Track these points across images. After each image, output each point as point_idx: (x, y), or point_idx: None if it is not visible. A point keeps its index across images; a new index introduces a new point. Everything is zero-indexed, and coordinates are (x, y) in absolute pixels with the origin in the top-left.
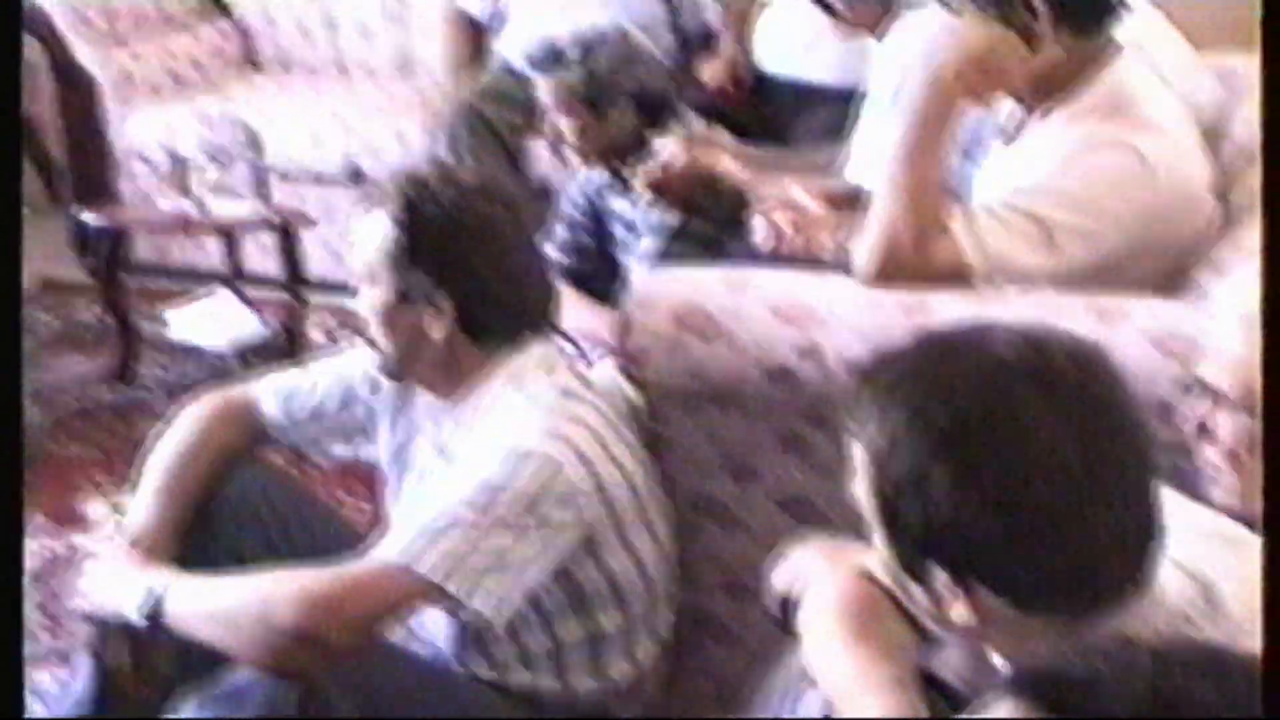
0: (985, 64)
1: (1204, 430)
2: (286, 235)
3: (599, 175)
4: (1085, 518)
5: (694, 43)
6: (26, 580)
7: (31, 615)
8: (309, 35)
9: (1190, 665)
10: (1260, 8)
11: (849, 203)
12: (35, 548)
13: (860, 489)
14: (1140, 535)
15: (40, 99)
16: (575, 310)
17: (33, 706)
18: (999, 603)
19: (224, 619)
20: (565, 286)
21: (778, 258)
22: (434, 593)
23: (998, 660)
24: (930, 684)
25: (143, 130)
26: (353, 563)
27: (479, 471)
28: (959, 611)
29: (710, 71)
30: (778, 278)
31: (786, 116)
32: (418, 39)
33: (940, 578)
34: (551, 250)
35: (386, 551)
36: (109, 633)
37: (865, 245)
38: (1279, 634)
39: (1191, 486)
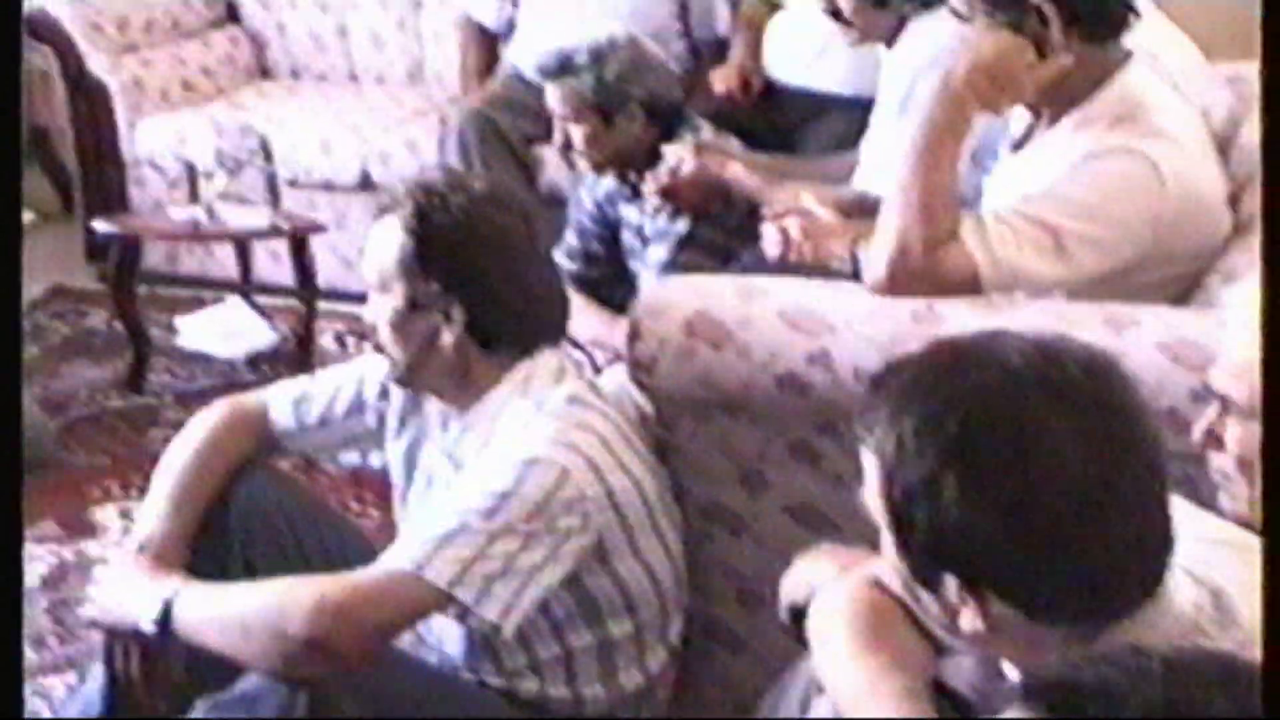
0: (996, 72)
1: (1214, 438)
2: (297, 243)
3: (609, 183)
4: (1096, 526)
5: (704, 50)
6: (37, 587)
7: (42, 623)
8: (320, 43)
9: (1201, 673)
10: (1260, 9)
11: (859, 210)
12: (45, 554)
13: (871, 496)
14: (1151, 543)
15: (52, 107)
16: (585, 317)
17: (43, 714)
18: (1010, 611)
19: (235, 627)
20: (575, 294)
21: (788, 265)
22: (443, 600)
23: (1009, 668)
24: (941, 692)
25: (154, 138)
26: (363, 570)
27: (488, 479)
28: (969, 619)
29: (721, 79)
30: (788, 285)
31: (797, 124)
32: (429, 47)
33: (951, 586)
34: (562, 258)
35: (396, 559)
36: (120, 640)
37: (876, 253)
38: (1279, 634)
39: (1202, 494)
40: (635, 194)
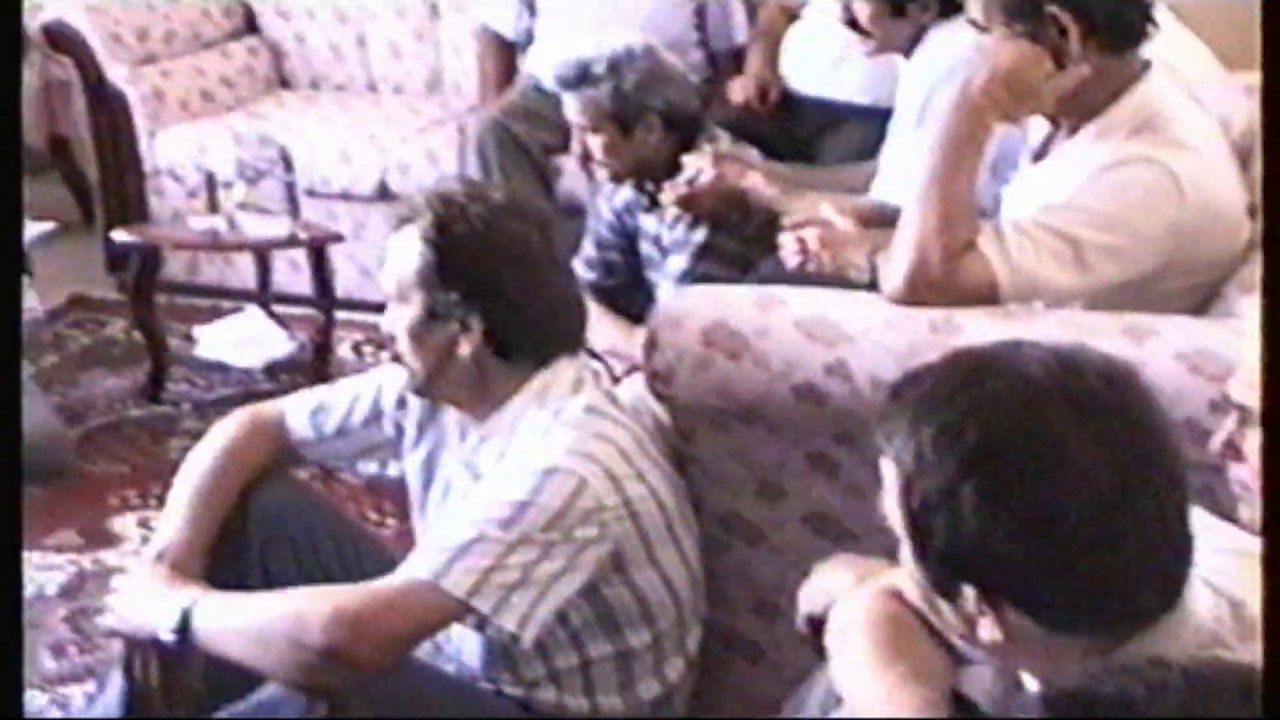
0: (1014, 82)
1: (1233, 449)
2: (316, 253)
3: (627, 192)
4: (1115, 537)
5: (722, 60)
6: (55, 596)
7: (61, 631)
8: (339, 53)
9: (1220, 685)
10: (1260, 8)
11: (877, 220)
12: (63, 563)
13: (890, 506)
14: (1170, 555)
15: (72, 117)
16: (603, 327)
17: None
18: (1028, 622)
19: (253, 636)
20: (593, 304)
21: (806, 275)
22: (461, 609)
23: (1027, 679)
24: (959, 703)
25: (174, 148)
26: (381, 580)
27: (506, 488)
28: (988, 630)
29: (738, 89)
30: (806, 295)
31: (814, 134)
32: (447, 57)
33: (969, 596)
34: (580, 268)
35: (414, 569)
36: (138, 649)
37: (894, 263)
38: (1279, 634)
39: (1221, 505)
40: (653, 204)
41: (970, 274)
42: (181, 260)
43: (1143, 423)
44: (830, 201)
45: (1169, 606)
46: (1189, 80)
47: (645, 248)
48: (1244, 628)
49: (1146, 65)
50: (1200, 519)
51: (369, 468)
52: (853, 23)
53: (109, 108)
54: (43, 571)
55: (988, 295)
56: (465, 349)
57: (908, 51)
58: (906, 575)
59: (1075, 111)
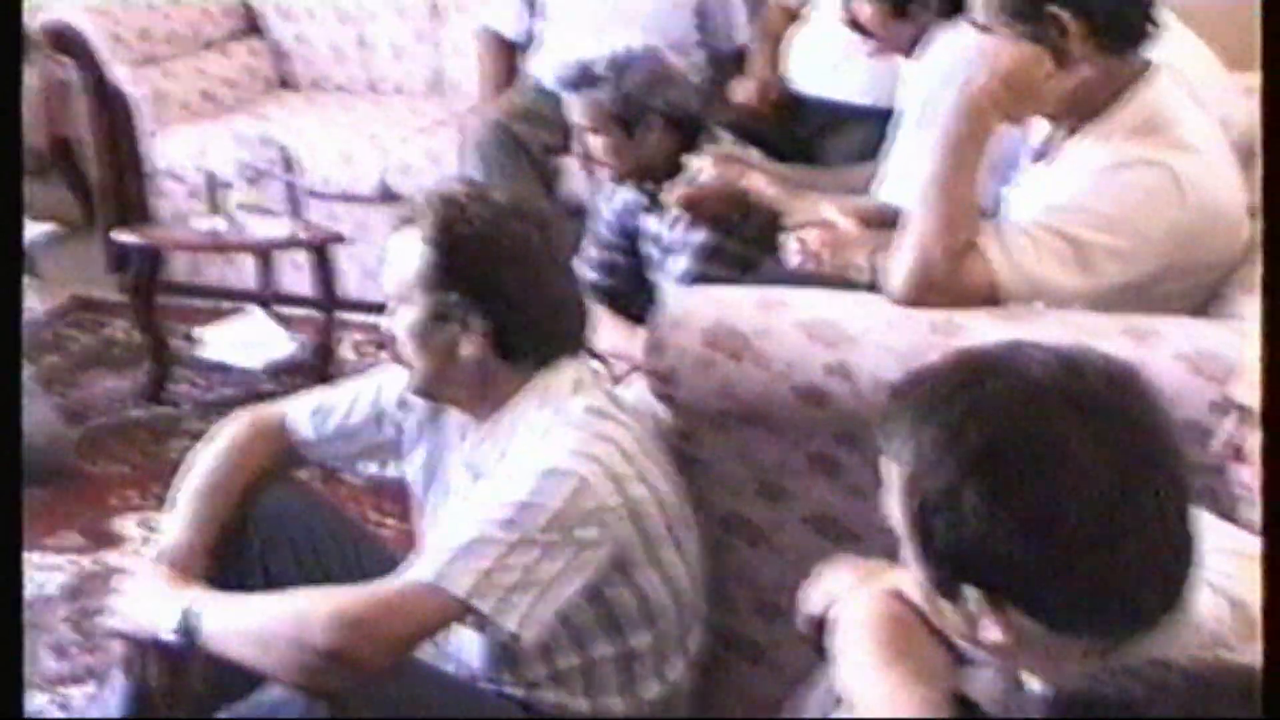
0: (1016, 82)
1: (1234, 449)
2: (319, 254)
3: (629, 193)
4: (1118, 539)
5: (726, 62)
6: (58, 597)
7: (63, 632)
8: (341, 54)
9: (1222, 687)
10: (1260, 9)
11: (880, 221)
12: (65, 564)
13: (892, 506)
14: (1173, 557)
15: (74, 118)
16: (607, 329)
17: None
18: (1031, 623)
19: (257, 638)
20: (597, 305)
21: (808, 276)
22: (463, 610)
23: (1030, 680)
24: (961, 704)
25: (177, 149)
26: (382, 581)
27: (507, 489)
28: (989, 631)
29: (742, 91)
30: (809, 297)
31: (818, 135)
32: (449, 58)
33: (971, 597)
34: (583, 269)
35: (417, 571)
36: (142, 651)
37: (898, 264)
38: (1279, 634)
39: (1222, 506)
40: (655, 204)
41: (972, 275)
42: (183, 261)
43: (1144, 423)
44: (832, 202)
45: (1170, 607)
46: (1191, 80)
47: (647, 248)
48: (1245, 628)
49: (1148, 66)
50: (1202, 520)
51: (370, 468)
52: (855, 23)
53: (110, 108)
54: (44, 572)
55: (989, 296)
56: (467, 350)
57: (909, 52)
58: (908, 576)
59: (1077, 112)
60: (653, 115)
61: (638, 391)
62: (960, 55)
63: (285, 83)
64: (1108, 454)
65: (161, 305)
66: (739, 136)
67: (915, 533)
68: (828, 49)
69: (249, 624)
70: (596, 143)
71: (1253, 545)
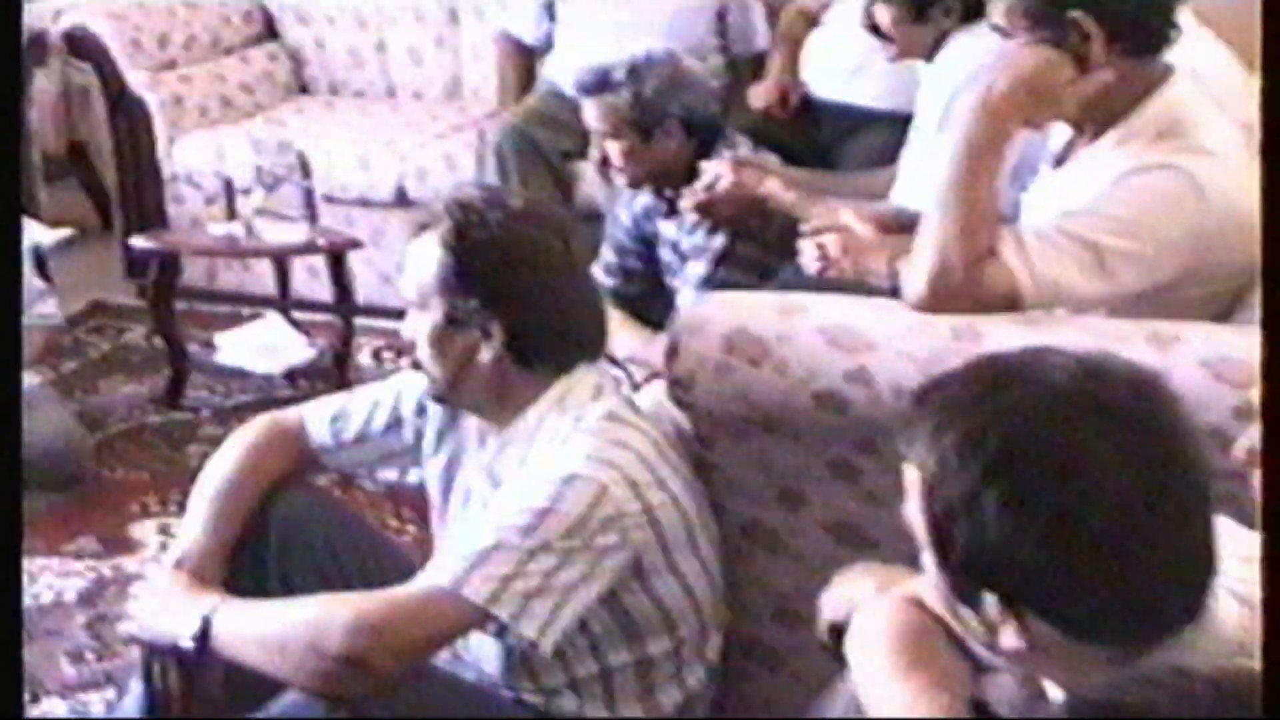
0: (1036, 87)
1: (1257, 456)
2: (335, 259)
3: (646, 198)
4: (1137, 546)
5: (743, 66)
6: (74, 603)
7: (80, 638)
8: (358, 59)
9: (1246, 695)
10: (1260, 9)
11: (898, 226)
12: (82, 570)
13: (912, 512)
14: (1195, 564)
15: (92, 123)
16: (623, 334)
17: None
18: (1050, 630)
19: (273, 644)
20: (613, 310)
21: (826, 281)
22: (481, 617)
23: (1051, 688)
24: (981, 711)
25: (193, 154)
26: (400, 587)
27: (526, 496)
28: (1009, 638)
29: (759, 95)
30: (827, 302)
31: (835, 139)
32: (466, 63)
33: (991, 604)
34: (599, 274)
35: (435, 576)
36: (158, 656)
37: (916, 270)
38: (1278, 634)
39: (1245, 512)
40: (673, 210)
41: (992, 281)
42: (200, 266)
43: (1167, 430)
44: (850, 207)
45: (1193, 615)
46: (1211, 84)
47: (664, 254)
48: None
49: (1169, 70)
50: (1224, 527)
51: (388, 474)
52: (874, 28)
53: (128, 114)
54: (62, 578)
55: (1009, 302)
56: (485, 355)
57: (929, 57)
58: (928, 583)
59: (1097, 117)
60: (670, 120)
61: (656, 398)
62: (980, 60)
63: (303, 88)
64: (1129, 461)
65: (179, 311)
66: (757, 141)
67: (935, 539)
68: (846, 54)
69: (266, 630)
70: (614, 148)
71: None
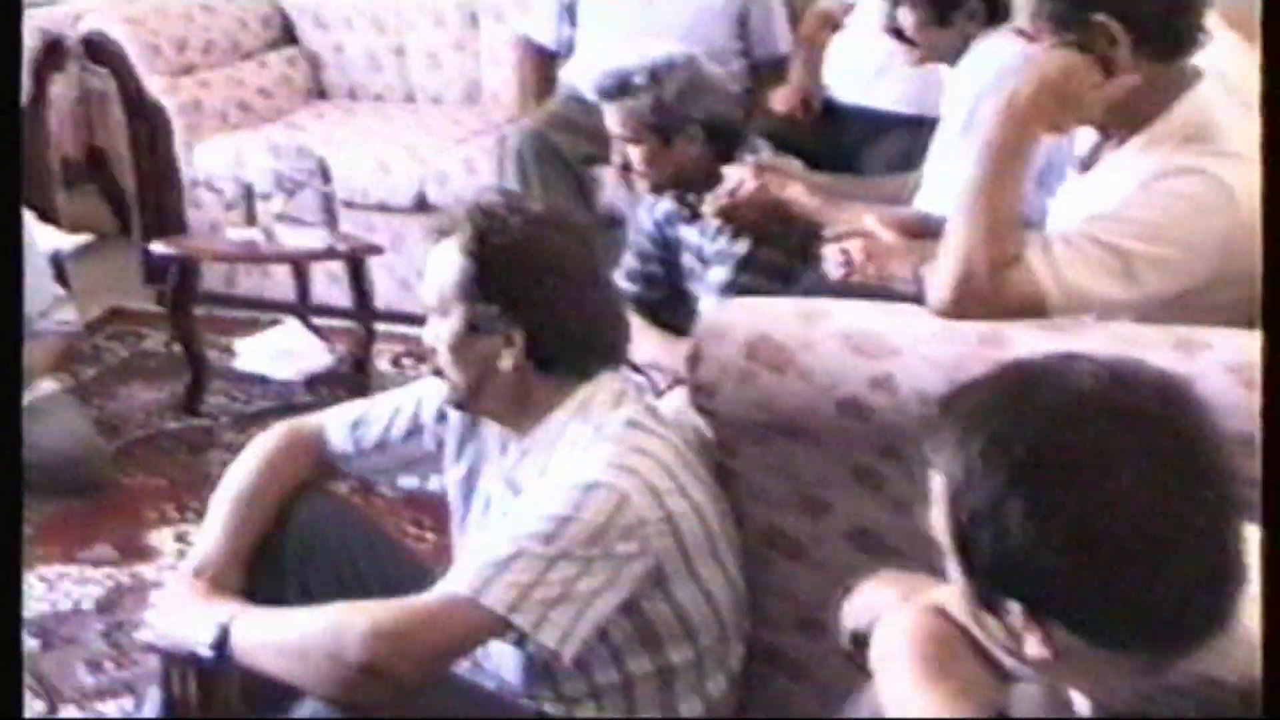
0: (1062, 91)
1: None
2: (354, 264)
3: (668, 204)
4: (1164, 555)
5: (764, 70)
6: (92, 611)
7: (97, 646)
8: (377, 63)
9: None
10: (1260, 8)
11: (921, 232)
12: (100, 577)
13: (937, 519)
14: (1222, 573)
15: (110, 129)
16: (645, 340)
17: None
18: (1074, 638)
19: (292, 652)
20: (634, 316)
21: (850, 287)
22: (501, 625)
23: (1077, 698)
24: None
25: (211, 159)
26: (420, 595)
27: (546, 504)
28: (1034, 646)
29: (780, 99)
30: (851, 309)
31: (858, 144)
32: (486, 67)
33: (1015, 612)
34: (620, 279)
35: (453, 584)
36: (176, 664)
37: (939, 275)
38: (1279, 634)
39: None
40: (694, 215)
41: (1017, 286)
42: (219, 272)
43: (1196, 439)
44: (873, 213)
45: (1222, 624)
46: (1239, 87)
47: (686, 259)
48: None
49: (1197, 74)
50: (1256, 536)
51: (408, 482)
52: (897, 32)
53: (147, 119)
54: (79, 585)
55: (1034, 308)
56: (506, 362)
57: (952, 61)
58: (952, 591)
59: (1124, 121)
60: (691, 125)
61: (677, 404)
62: (1004, 64)
63: (322, 93)
64: (1155, 468)
65: (198, 316)
66: (778, 146)
67: (959, 545)
68: (869, 57)
69: (284, 638)
70: (634, 152)
71: None
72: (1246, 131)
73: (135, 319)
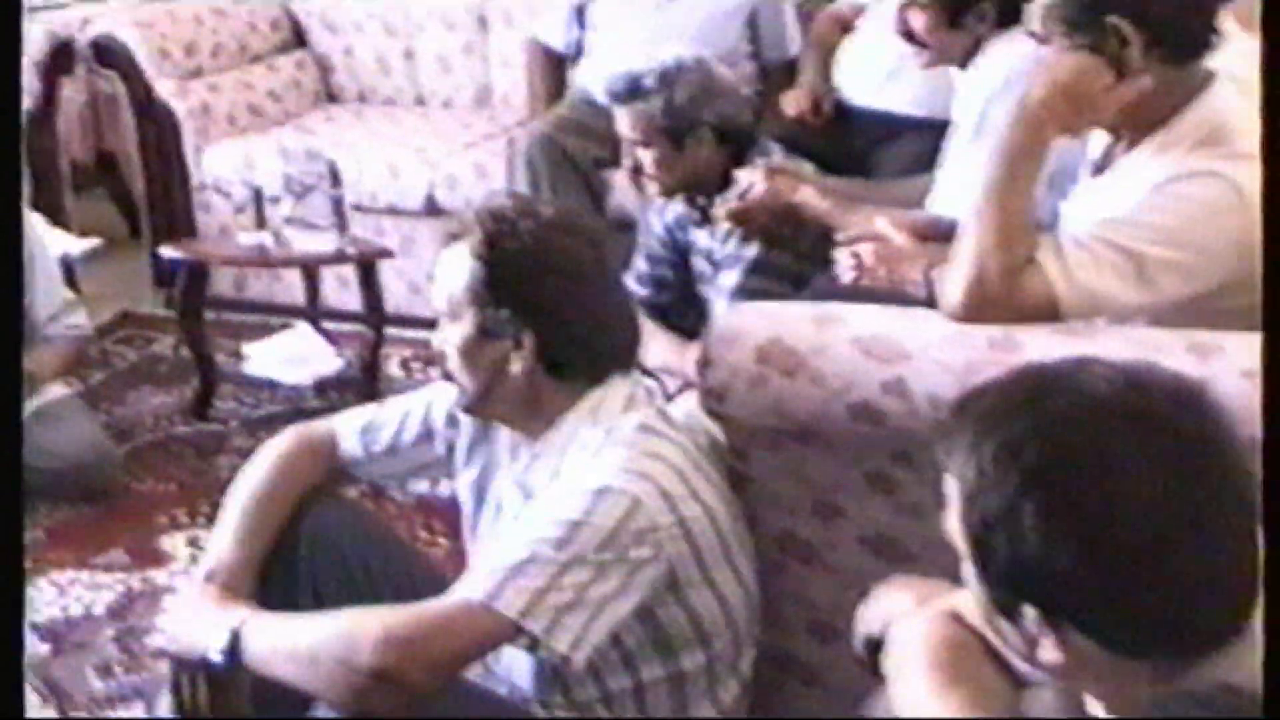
0: (1074, 93)
1: None
2: (364, 268)
3: (679, 207)
4: (1178, 560)
5: (775, 73)
6: (104, 616)
7: (109, 651)
8: (387, 67)
9: None
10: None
11: (933, 235)
12: (112, 583)
13: (952, 523)
14: (1238, 578)
15: (119, 133)
16: (656, 344)
17: None
18: (1090, 644)
19: (303, 658)
20: (646, 320)
21: (862, 291)
22: (513, 631)
23: (1093, 704)
24: None
25: (221, 163)
26: (432, 601)
27: (558, 508)
28: (1048, 651)
29: (791, 102)
30: (864, 313)
31: (869, 147)
32: (496, 70)
33: (1030, 616)
34: (631, 283)
35: (467, 590)
36: (187, 670)
37: (953, 279)
38: (1279, 635)
39: None
40: (705, 219)
41: (1030, 290)
42: (229, 276)
43: (1210, 444)
44: (885, 216)
45: (1239, 630)
46: (1254, 89)
47: (697, 263)
48: None
49: (1210, 76)
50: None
51: (419, 486)
52: (908, 34)
53: (156, 123)
54: (91, 591)
55: (1048, 311)
56: (517, 366)
57: (964, 63)
58: (966, 597)
59: (1137, 124)
60: (702, 128)
61: (690, 409)
62: (1016, 66)
63: (332, 96)
64: (1169, 472)
65: (208, 321)
66: (790, 149)
67: (975, 550)
68: (880, 60)
69: (296, 644)
70: (646, 156)
71: None
72: (1260, 134)
73: (145, 323)
